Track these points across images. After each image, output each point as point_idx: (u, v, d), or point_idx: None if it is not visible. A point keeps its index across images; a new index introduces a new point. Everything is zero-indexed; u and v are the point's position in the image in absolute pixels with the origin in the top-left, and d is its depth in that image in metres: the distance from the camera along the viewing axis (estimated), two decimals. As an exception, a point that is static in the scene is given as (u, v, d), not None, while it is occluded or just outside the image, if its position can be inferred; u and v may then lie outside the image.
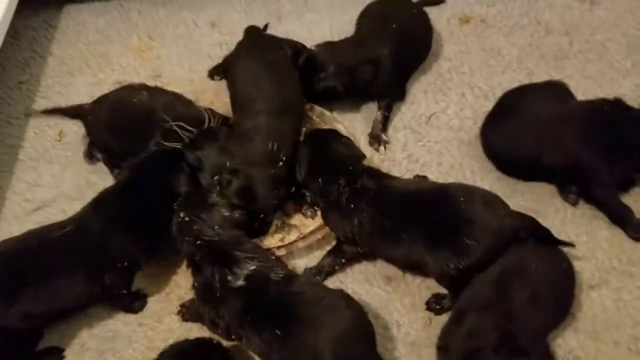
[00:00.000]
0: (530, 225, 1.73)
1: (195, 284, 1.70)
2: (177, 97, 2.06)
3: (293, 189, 1.93)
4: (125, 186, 1.85)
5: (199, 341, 1.66)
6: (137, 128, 1.97)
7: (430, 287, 1.83)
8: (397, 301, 1.83)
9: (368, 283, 1.87)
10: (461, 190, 1.75)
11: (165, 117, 1.94)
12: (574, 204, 1.95)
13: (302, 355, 1.54)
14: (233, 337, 1.66)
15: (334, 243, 1.91)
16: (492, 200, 1.74)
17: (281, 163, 1.85)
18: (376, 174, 1.85)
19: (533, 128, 1.93)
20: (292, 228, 1.97)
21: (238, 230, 1.76)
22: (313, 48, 2.12)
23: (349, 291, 1.76)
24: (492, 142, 2.03)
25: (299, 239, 1.93)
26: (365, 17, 2.26)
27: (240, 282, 1.62)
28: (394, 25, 2.15)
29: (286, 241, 1.93)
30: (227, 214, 1.77)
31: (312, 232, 1.94)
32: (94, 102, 2.11)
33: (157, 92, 2.09)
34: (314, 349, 1.53)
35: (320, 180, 1.83)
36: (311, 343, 1.53)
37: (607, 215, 1.90)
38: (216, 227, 1.72)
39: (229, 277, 1.63)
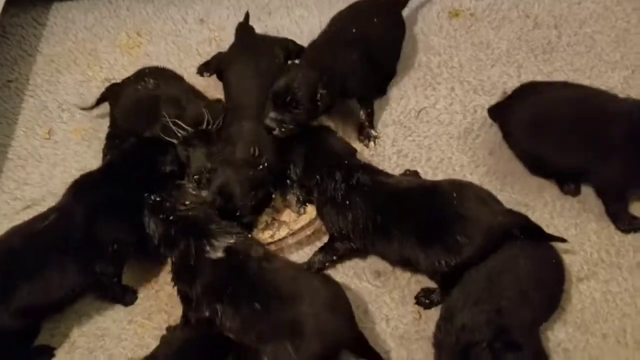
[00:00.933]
0: (522, 222, 1.72)
1: (172, 260, 1.71)
2: (187, 91, 2.08)
3: (273, 195, 1.96)
4: (105, 168, 1.86)
5: (213, 333, 1.65)
6: (141, 114, 2.01)
7: (419, 281, 1.83)
8: (386, 295, 1.83)
9: (357, 278, 1.87)
10: (454, 187, 1.75)
11: (164, 111, 1.95)
12: (575, 194, 1.94)
13: (281, 330, 1.56)
14: (206, 313, 1.65)
15: (324, 239, 1.92)
16: (484, 197, 1.74)
17: (261, 167, 1.87)
18: (371, 170, 1.86)
19: (579, 129, 1.83)
20: (281, 224, 1.97)
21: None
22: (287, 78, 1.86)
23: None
24: (527, 143, 1.93)
25: (288, 235, 1.93)
26: (332, 21, 2.14)
27: (220, 254, 1.65)
28: (354, 30, 2.04)
29: (276, 237, 1.93)
30: (195, 192, 1.80)
31: (302, 229, 1.94)
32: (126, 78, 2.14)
33: (168, 81, 2.09)
34: (293, 323, 1.55)
35: (317, 176, 1.84)
36: (290, 318, 1.56)
37: (605, 205, 1.89)
38: (188, 203, 1.75)
39: (207, 248, 1.65)
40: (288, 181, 1.96)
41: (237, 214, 1.86)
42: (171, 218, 1.71)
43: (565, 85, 2.02)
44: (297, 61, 1.94)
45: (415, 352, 1.73)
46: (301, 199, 1.96)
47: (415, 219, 1.70)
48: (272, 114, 1.83)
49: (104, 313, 1.86)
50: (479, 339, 1.53)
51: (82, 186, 1.80)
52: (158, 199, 1.75)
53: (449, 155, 2.09)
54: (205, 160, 1.90)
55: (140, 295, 1.88)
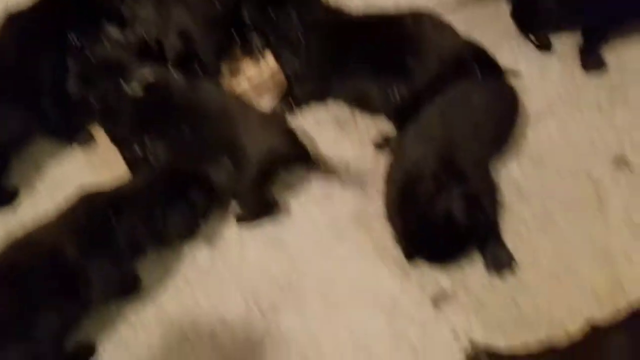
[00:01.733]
0: (477, 52, 1.69)
1: (92, 101, 1.70)
2: None
3: (235, 35, 1.88)
4: (38, 3, 1.79)
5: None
6: None
7: (378, 127, 1.82)
8: (346, 140, 1.84)
9: (318, 125, 1.87)
10: (411, 15, 1.70)
11: None
12: None
13: (217, 150, 1.58)
14: (137, 149, 1.67)
15: (283, 88, 1.88)
16: (441, 26, 1.70)
17: (218, 7, 1.80)
18: (327, 7, 1.80)
19: None
20: (242, 76, 1.92)
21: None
22: None
23: (299, 131, 1.76)
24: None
25: (249, 87, 1.89)
26: None
27: (139, 90, 1.65)
28: None
29: (237, 90, 1.89)
30: (119, 36, 1.78)
31: (263, 80, 1.90)
32: None
33: None
34: (228, 142, 1.57)
35: (271, 14, 1.77)
36: (224, 137, 1.57)
37: (586, 44, 1.83)
38: (108, 46, 1.74)
39: (125, 86, 1.65)
40: (245, 29, 1.89)
41: (200, 58, 1.82)
42: (90, 60, 1.70)
43: None
44: None
45: (371, 191, 1.74)
46: (259, 46, 1.91)
47: (370, 48, 1.67)
48: None
49: (63, 161, 1.87)
50: (426, 171, 1.53)
51: (13, 21, 1.76)
52: (78, 41, 1.72)
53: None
54: (156, 16, 1.82)
55: (102, 146, 1.86)
